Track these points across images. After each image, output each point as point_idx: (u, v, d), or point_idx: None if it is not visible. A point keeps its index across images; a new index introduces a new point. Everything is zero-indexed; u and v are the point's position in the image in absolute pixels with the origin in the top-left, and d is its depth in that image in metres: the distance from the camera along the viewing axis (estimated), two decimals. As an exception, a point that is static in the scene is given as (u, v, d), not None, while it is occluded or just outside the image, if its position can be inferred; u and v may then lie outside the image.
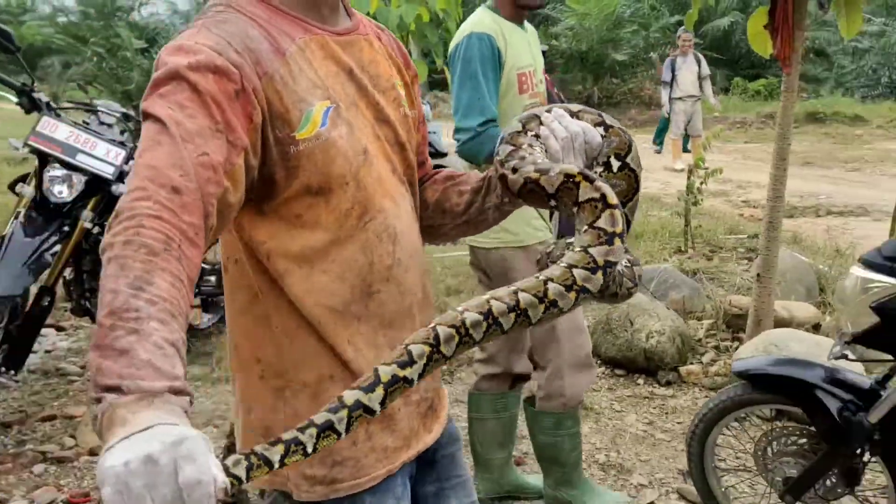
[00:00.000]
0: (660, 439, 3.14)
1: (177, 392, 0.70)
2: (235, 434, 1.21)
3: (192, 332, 3.99)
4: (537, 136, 1.10)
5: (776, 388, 2.23)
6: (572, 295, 0.94)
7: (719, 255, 5.53)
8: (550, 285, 0.93)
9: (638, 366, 3.67)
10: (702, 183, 5.42)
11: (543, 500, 2.65)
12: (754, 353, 3.21)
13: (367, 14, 8.34)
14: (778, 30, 3.43)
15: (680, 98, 10.57)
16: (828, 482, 2.23)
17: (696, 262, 5.19)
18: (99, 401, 0.69)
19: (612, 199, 0.97)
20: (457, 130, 2.29)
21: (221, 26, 0.99)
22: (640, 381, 3.65)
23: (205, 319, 4.15)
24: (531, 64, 2.43)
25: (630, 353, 3.66)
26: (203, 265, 3.77)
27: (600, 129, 1.11)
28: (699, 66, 10.62)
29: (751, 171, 9.82)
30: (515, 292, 0.93)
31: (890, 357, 2.04)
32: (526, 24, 2.52)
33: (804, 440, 2.25)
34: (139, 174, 0.85)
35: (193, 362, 3.77)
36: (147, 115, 0.90)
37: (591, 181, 0.98)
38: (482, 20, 2.37)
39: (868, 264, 1.95)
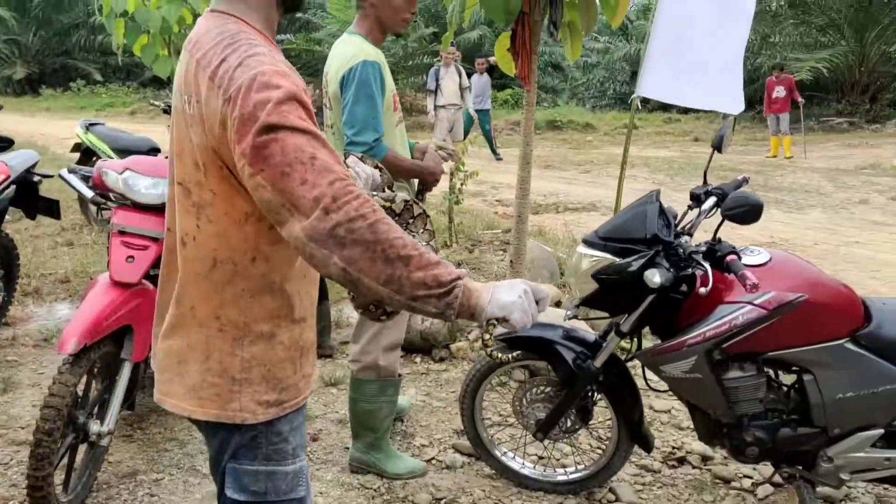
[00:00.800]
0: (436, 407, 3.60)
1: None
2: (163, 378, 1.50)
3: None
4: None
5: (527, 346, 2.76)
6: None
7: (479, 248, 6.21)
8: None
9: (416, 346, 4.12)
10: (462, 184, 6.06)
11: (349, 462, 2.99)
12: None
13: (125, 14, 8.09)
14: (518, 53, 4.06)
15: (444, 106, 11.35)
16: (568, 421, 2.80)
17: (459, 255, 5.81)
18: (450, 290, 1.22)
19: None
20: (352, 143, 2.58)
21: (275, 55, 1.33)
22: (418, 359, 4.11)
23: None
24: (393, 85, 2.77)
25: (409, 335, 4.09)
26: None
27: (377, 171, 1.79)
28: (460, 77, 11.47)
29: (502, 174, 10.82)
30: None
31: (607, 315, 2.64)
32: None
33: (549, 388, 2.80)
34: (332, 170, 1.22)
35: None
36: (283, 127, 1.22)
37: (418, 203, 1.64)
38: (365, 49, 2.63)
39: (588, 243, 2.52)
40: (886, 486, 2.80)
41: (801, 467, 2.53)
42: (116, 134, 6.71)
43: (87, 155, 6.81)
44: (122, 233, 2.71)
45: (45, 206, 4.23)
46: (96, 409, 2.66)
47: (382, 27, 2.74)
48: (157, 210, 2.77)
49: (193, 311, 1.42)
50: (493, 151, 13.37)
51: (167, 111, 6.39)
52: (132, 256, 2.66)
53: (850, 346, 2.36)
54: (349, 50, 2.68)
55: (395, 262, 1.20)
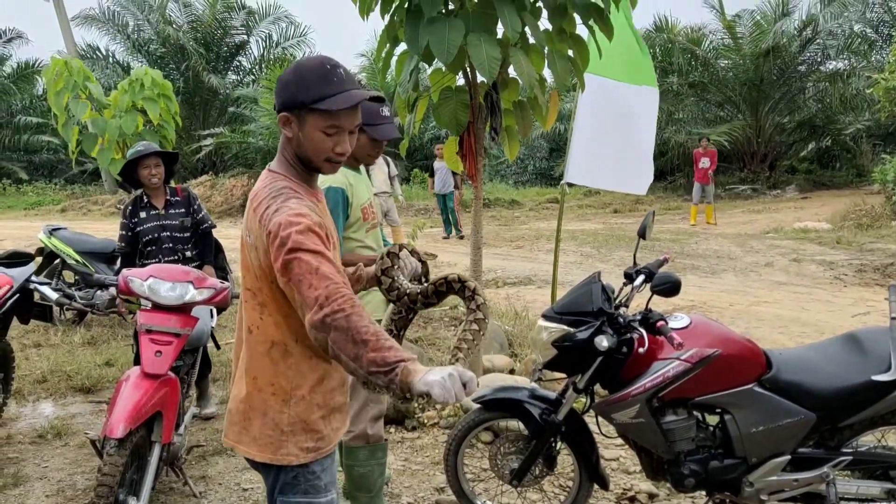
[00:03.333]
0: (416, 470, 4.05)
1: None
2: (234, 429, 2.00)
3: None
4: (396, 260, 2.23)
5: (499, 406, 3.29)
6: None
7: (431, 325, 6.73)
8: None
9: (389, 417, 4.57)
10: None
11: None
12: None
13: (81, 123, 8.51)
14: (466, 156, 4.70)
15: (375, 195, 11.99)
16: (537, 469, 3.30)
17: (416, 332, 6.32)
18: (392, 370, 1.60)
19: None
20: None
21: (305, 203, 1.86)
22: (392, 429, 4.56)
23: None
24: (368, 198, 3.24)
25: (382, 409, 4.55)
26: None
27: (420, 264, 2.34)
28: (388, 167, 12.20)
29: (443, 254, 11.43)
30: None
31: (565, 376, 3.20)
32: (361, 168, 3.32)
33: (520, 442, 3.31)
34: (329, 278, 1.71)
35: None
36: (304, 249, 1.74)
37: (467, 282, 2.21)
38: (334, 175, 2.96)
39: (546, 317, 3.09)
40: (799, 504, 3.38)
41: (729, 493, 3.10)
42: (81, 237, 7.04)
43: (49, 259, 7.10)
44: (149, 331, 3.14)
45: (38, 311, 4.57)
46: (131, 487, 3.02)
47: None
48: (177, 310, 3.22)
49: (255, 381, 1.95)
50: (458, 230, 14.60)
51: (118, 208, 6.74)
52: (160, 351, 3.09)
53: (758, 388, 2.97)
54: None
55: (359, 344, 1.65)
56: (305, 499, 1.97)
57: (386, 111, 3.08)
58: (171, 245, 4.57)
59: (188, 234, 4.67)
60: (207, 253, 4.78)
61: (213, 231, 4.92)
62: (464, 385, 1.60)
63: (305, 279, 1.72)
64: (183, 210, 4.66)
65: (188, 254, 4.64)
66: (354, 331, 1.65)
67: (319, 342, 1.72)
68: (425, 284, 2.30)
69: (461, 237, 14.18)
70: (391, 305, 2.43)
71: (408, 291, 2.27)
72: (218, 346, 4.80)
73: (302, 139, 1.89)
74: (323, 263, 1.74)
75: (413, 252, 2.38)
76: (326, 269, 1.73)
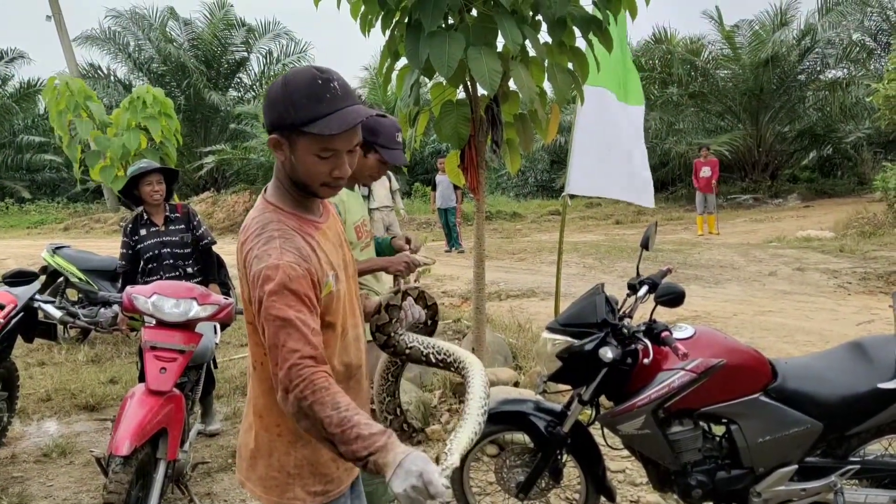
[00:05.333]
0: (421, 484, 4.03)
1: (389, 436, 1.53)
2: (243, 465, 1.93)
3: None
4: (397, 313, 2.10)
5: (504, 419, 3.28)
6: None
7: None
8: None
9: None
10: (416, 279, 6.61)
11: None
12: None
13: (86, 142, 8.58)
14: (467, 169, 4.72)
15: (377, 209, 12.05)
16: (543, 481, 3.30)
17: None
18: (365, 463, 1.50)
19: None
20: None
21: (290, 243, 1.69)
22: (397, 444, 4.53)
23: None
24: (363, 215, 3.20)
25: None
26: None
27: (424, 311, 2.17)
28: (390, 181, 12.23)
29: (448, 267, 11.44)
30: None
31: (570, 388, 3.20)
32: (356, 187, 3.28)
33: (526, 455, 3.31)
34: (291, 357, 1.59)
35: None
36: (270, 316, 1.61)
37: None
38: None
39: (551, 329, 3.09)
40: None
41: None
42: (84, 255, 7.06)
43: (52, 277, 7.11)
44: (153, 348, 3.14)
45: (43, 329, 4.58)
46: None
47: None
48: (182, 327, 3.22)
49: (261, 419, 1.86)
50: (458, 244, 14.52)
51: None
52: (164, 368, 3.09)
53: (764, 398, 2.96)
54: None
55: (327, 440, 1.57)
56: None
57: (400, 137, 3.03)
58: (171, 261, 4.59)
59: (189, 251, 4.69)
60: (210, 270, 4.80)
61: (215, 247, 4.94)
62: (431, 497, 1.47)
63: (272, 352, 1.63)
64: (183, 226, 4.69)
65: (189, 270, 4.66)
66: (320, 423, 1.56)
67: (291, 416, 1.66)
68: (428, 349, 2.05)
69: (461, 252, 14.19)
70: (384, 355, 2.24)
71: (407, 351, 2.06)
72: (216, 366, 4.80)
73: (295, 163, 1.71)
74: (291, 334, 1.61)
75: (420, 296, 2.17)
76: (292, 342, 1.60)
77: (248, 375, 1.96)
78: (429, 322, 2.21)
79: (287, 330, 1.61)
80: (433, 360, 2.04)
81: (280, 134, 1.70)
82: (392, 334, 2.06)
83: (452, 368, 2.00)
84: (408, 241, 3.38)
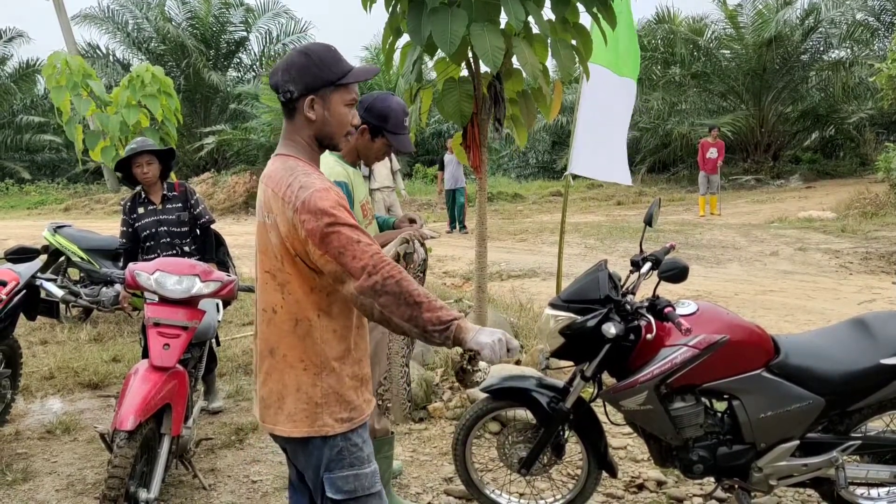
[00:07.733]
0: (423, 461, 4.05)
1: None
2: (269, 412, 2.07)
3: None
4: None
5: (507, 395, 3.29)
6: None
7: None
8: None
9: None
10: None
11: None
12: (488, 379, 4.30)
13: (84, 120, 8.54)
14: (470, 147, 4.70)
15: (378, 189, 12.01)
16: (545, 457, 3.31)
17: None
18: (448, 328, 1.80)
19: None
20: None
21: (323, 178, 1.96)
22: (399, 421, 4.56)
23: None
24: (366, 194, 3.19)
25: (389, 401, 4.55)
26: None
27: (424, 250, 2.57)
28: (391, 161, 12.18)
29: (449, 248, 11.44)
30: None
31: (572, 364, 3.20)
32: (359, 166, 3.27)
33: (528, 431, 3.31)
34: (372, 248, 1.84)
35: None
36: (341, 223, 1.83)
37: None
38: (336, 169, 3.01)
39: (554, 305, 3.09)
40: (808, 489, 3.38)
41: (737, 479, 3.10)
42: (86, 235, 7.04)
43: (54, 256, 7.11)
44: (156, 325, 3.14)
45: (45, 307, 4.58)
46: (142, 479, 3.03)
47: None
48: (185, 303, 3.22)
49: (286, 358, 2.00)
50: (462, 224, 14.55)
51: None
52: (168, 344, 3.09)
53: (766, 374, 2.96)
54: (323, 170, 3.17)
55: (414, 306, 1.80)
56: (352, 471, 2.02)
57: (408, 121, 3.08)
58: (168, 240, 4.60)
59: (186, 229, 4.68)
60: (208, 249, 4.80)
61: (215, 226, 4.94)
62: (508, 351, 1.82)
63: (348, 250, 1.81)
64: (180, 205, 4.68)
65: (186, 248, 4.66)
66: (407, 294, 1.80)
67: (364, 307, 1.84)
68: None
69: (465, 232, 14.17)
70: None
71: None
72: (218, 343, 4.81)
73: (328, 117, 1.98)
74: (361, 235, 1.84)
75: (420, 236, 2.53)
76: (365, 239, 1.84)
77: (264, 324, 2.05)
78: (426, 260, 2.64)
79: (357, 232, 1.84)
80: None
81: (315, 94, 1.96)
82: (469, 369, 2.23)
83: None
84: (412, 222, 3.38)
